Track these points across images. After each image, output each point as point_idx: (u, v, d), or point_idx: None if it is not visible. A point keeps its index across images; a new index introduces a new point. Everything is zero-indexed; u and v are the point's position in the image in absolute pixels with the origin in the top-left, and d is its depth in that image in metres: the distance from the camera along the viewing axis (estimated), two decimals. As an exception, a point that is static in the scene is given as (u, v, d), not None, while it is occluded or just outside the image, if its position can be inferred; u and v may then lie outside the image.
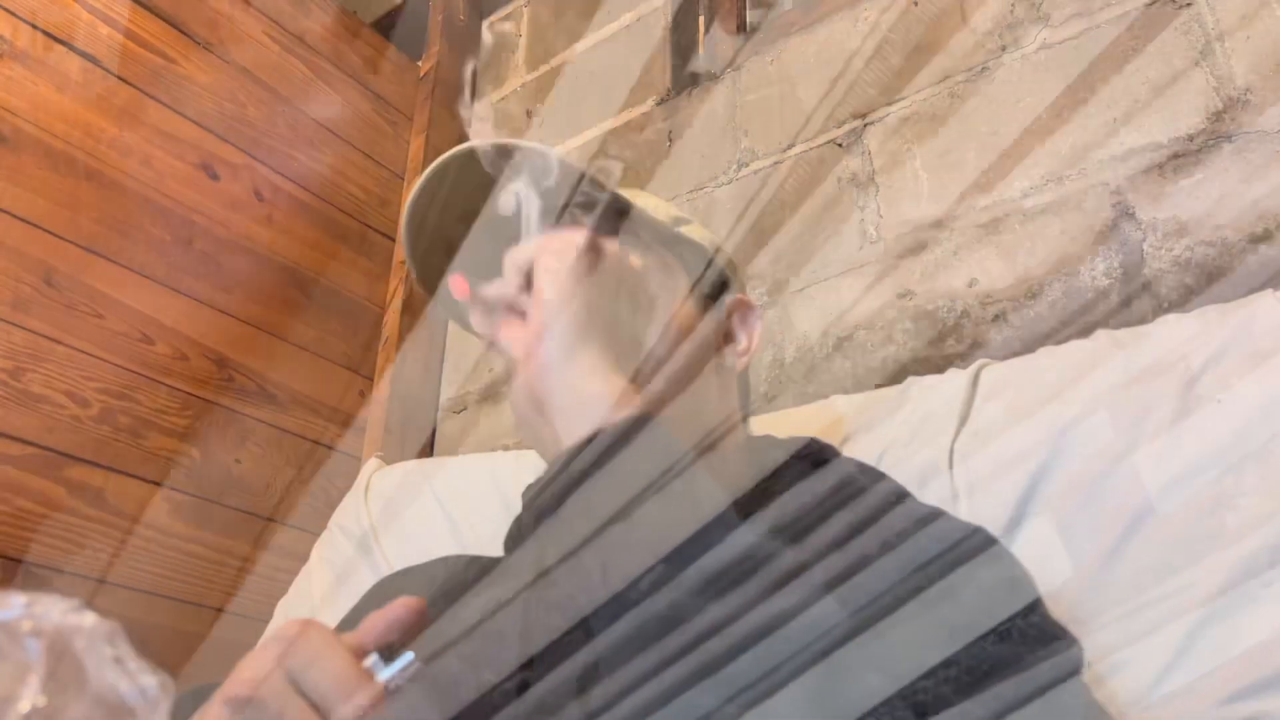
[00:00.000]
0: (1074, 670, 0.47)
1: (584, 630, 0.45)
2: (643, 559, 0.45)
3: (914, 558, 0.48)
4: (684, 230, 0.73)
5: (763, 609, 0.43)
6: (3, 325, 1.19)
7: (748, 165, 1.34)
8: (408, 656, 0.40)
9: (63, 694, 0.30)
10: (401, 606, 0.43)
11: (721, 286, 0.75)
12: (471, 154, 0.69)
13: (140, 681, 0.31)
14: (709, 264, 0.74)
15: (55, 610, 0.30)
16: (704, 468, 0.50)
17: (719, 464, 0.65)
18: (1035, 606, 0.50)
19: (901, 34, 1.25)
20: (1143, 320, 0.89)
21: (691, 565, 0.45)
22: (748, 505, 0.49)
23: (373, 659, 0.40)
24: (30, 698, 0.29)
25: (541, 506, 0.52)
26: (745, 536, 0.46)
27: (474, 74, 1.85)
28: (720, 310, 0.73)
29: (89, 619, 0.30)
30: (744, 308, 0.76)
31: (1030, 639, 0.47)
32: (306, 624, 0.41)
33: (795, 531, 0.49)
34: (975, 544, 0.54)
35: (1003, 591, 0.50)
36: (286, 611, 1.16)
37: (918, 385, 0.95)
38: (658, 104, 1.50)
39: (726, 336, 0.74)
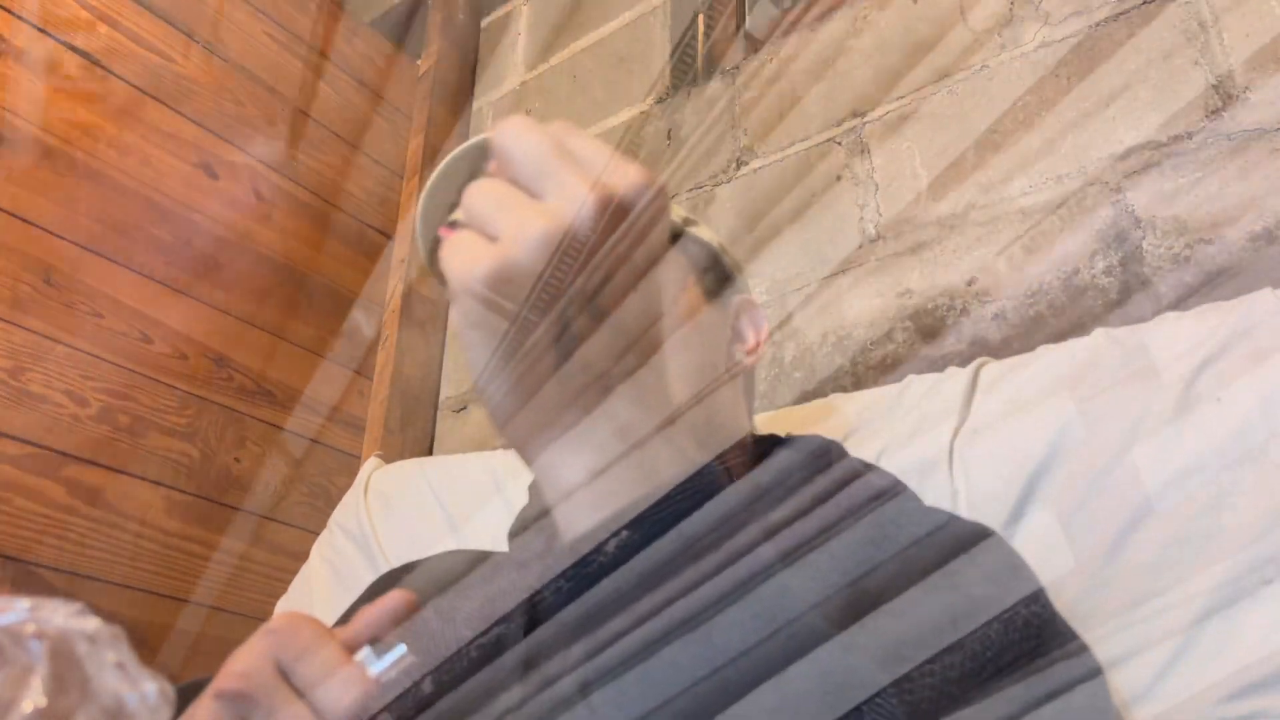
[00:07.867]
0: (1095, 671, 0.46)
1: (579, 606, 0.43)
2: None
3: (914, 547, 0.47)
4: (692, 231, 0.74)
5: (747, 588, 0.42)
6: (3, 325, 1.19)
7: (747, 164, 1.34)
8: (400, 649, 0.40)
9: (64, 697, 0.30)
10: (395, 600, 0.43)
11: (729, 286, 0.75)
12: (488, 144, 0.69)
13: (141, 687, 0.31)
14: (718, 263, 0.74)
15: (59, 614, 0.30)
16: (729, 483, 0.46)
17: (729, 464, 0.65)
18: (1039, 597, 0.49)
19: (901, 33, 1.25)
20: (1142, 319, 0.89)
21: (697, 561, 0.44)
22: (758, 505, 0.48)
23: (365, 652, 0.40)
24: (32, 699, 0.29)
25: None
26: (756, 543, 0.45)
27: (473, 73, 1.85)
28: (729, 310, 0.73)
29: (92, 623, 0.30)
30: (751, 307, 0.76)
31: (1036, 630, 0.46)
32: (297, 617, 0.41)
33: (802, 531, 0.49)
34: (975, 533, 0.54)
35: (1005, 577, 0.49)
36: (286, 610, 1.16)
37: (917, 383, 0.95)
38: (657, 102, 1.50)
39: (735, 336, 0.74)
